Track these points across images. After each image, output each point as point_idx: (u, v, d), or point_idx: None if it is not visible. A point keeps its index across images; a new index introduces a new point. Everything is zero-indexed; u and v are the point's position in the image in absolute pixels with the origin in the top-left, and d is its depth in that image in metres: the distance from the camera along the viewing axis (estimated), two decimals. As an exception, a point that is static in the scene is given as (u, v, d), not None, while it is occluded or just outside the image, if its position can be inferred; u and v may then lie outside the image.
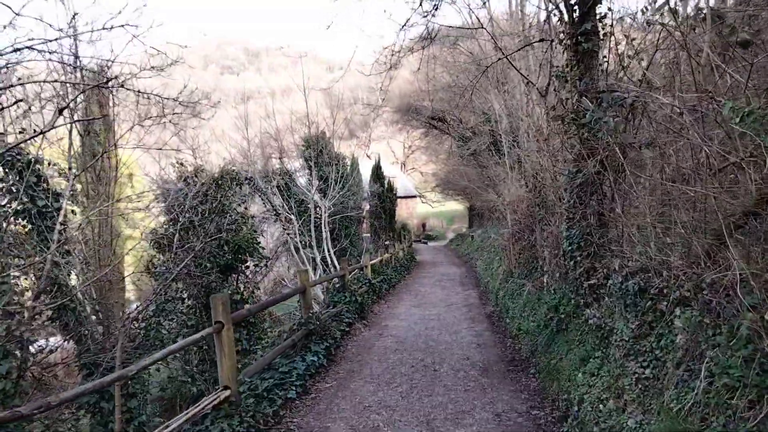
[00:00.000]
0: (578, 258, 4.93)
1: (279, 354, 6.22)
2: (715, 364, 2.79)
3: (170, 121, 7.58)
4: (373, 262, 13.96)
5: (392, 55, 6.79)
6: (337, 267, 10.87)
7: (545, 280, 6.82)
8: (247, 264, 9.95)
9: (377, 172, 28.15)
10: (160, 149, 10.14)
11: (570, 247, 5.05)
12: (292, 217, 13.77)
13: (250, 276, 10.68)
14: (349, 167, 22.96)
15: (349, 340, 8.17)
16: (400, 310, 10.87)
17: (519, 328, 7.09)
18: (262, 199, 10.27)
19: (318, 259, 12.81)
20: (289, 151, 20.01)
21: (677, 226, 3.41)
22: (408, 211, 43.52)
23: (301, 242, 14.25)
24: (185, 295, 8.81)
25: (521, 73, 7.09)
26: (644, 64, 4.14)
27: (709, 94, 2.86)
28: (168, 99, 6.97)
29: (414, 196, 45.32)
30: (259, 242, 9.69)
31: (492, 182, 14.47)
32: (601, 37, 4.86)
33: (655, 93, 3.61)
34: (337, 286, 10.01)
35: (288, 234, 11.93)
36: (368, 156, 32.22)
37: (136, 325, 6.80)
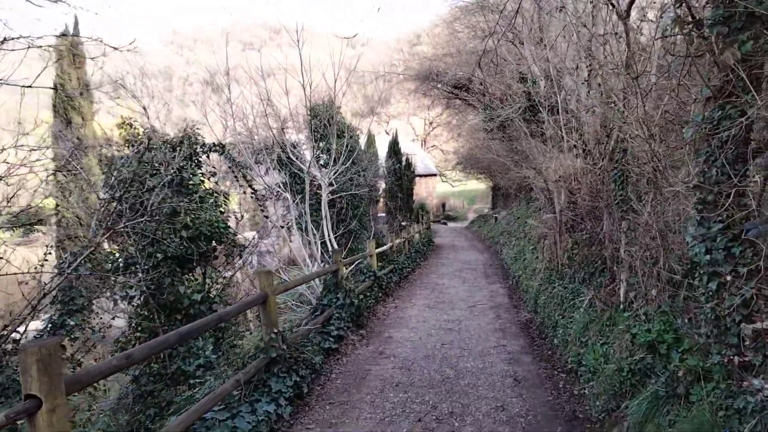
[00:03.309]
0: (728, 278, 2.64)
1: (217, 402, 4.09)
2: None
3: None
4: (380, 249, 11.77)
5: None
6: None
7: (624, 295, 4.51)
8: (216, 254, 7.89)
9: (394, 148, 25.80)
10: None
11: (707, 256, 2.75)
12: (287, 194, 11.59)
13: (225, 267, 8.62)
14: (363, 142, 20.58)
15: (336, 362, 6.01)
16: (411, 312, 8.68)
17: (579, 361, 4.82)
18: (234, 174, 8.04)
19: (314, 244, 10.65)
20: (296, 122, 17.94)
21: None
22: (427, 190, 41.09)
23: (298, 224, 12.11)
24: (133, 293, 6.83)
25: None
26: None
27: None
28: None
29: (434, 175, 42.74)
30: (228, 226, 7.53)
31: (525, 156, 12.04)
32: None
33: None
34: (330, 283, 7.85)
35: (265, 216, 9.79)
36: (387, 132, 29.90)
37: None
